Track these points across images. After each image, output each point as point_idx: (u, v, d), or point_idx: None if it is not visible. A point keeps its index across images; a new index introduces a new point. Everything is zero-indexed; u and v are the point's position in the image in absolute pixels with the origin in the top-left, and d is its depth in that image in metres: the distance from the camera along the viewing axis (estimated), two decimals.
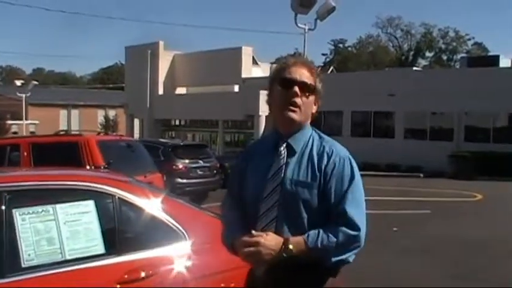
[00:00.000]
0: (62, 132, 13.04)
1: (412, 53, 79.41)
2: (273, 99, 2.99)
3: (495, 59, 34.54)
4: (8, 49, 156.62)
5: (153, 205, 4.06)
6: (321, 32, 52.80)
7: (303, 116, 2.92)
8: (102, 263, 3.71)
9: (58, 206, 3.72)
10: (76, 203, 3.81)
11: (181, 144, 19.76)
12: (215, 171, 18.55)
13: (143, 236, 4.02)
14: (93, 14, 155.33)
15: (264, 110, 31.74)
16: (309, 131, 3.00)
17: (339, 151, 2.93)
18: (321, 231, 2.75)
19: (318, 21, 20.40)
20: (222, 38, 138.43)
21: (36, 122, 53.43)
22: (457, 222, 14.06)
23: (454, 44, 77.25)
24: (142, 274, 3.73)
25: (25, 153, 10.05)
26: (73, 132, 13.41)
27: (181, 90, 42.71)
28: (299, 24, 19.82)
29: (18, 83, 43.00)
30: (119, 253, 3.78)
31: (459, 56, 69.12)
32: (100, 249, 3.75)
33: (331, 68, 63.78)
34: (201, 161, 17.96)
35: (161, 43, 41.28)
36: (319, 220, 2.80)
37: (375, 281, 8.31)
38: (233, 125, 38.17)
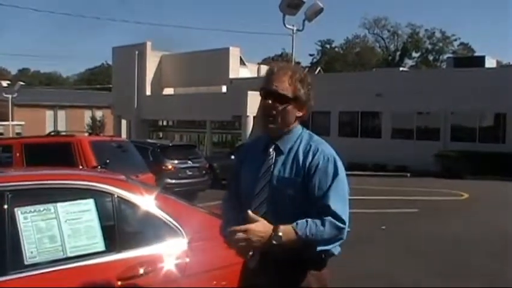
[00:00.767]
0: (53, 133, 13.02)
1: (398, 53, 79.71)
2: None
3: (481, 60, 34.79)
4: None
5: (150, 203, 4.15)
6: (309, 33, 52.90)
7: (281, 124, 3.10)
8: (102, 260, 3.79)
9: (59, 204, 3.80)
10: (76, 201, 3.89)
11: (170, 144, 19.79)
12: (204, 172, 18.62)
13: (142, 233, 4.12)
14: (80, 14, 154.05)
15: (251, 110, 31.81)
16: (297, 132, 3.18)
17: (324, 149, 3.10)
18: (309, 220, 2.87)
19: (306, 22, 20.53)
20: (210, 38, 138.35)
21: (22, 123, 53.13)
22: (444, 221, 14.21)
23: (441, 44, 77.63)
24: (141, 270, 3.81)
25: (17, 154, 10.09)
26: (64, 133, 13.38)
27: (168, 91, 42.66)
28: (287, 25, 19.93)
29: (4, 83, 42.75)
30: (118, 250, 3.86)
31: (445, 57, 69.50)
32: (100, 246, 3.84)
33: (319, 68, 63.91)
34: (190, 162, 18.01)
35: (149, 43, 41.19)
36: (305, 216, 2.93)
37: (362, 279, 8.42)
38: (221, 126, 38.20)
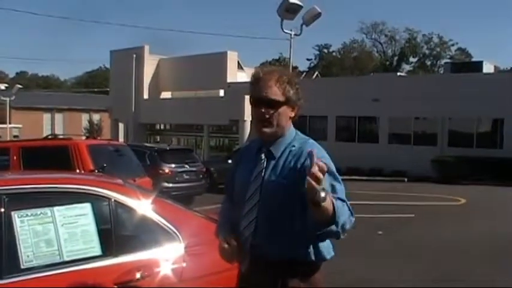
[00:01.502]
0: (50, 137, 13.01)
1: (396, 58, 79.87)
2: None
3: (478, 65, 34.84)
4: None
5: (147, 208, 4.15)
6: (306, 38, 53.15)
7: (275, 127, 3.13)
8: (99, 264, 3.79)
9: (56, 208, 3.80)
10: (73, 205, 3.89)
11: (168, 148, 19.80)
12: (201, 176, 18.62)
13: (139, 237, 4.11)
14: (80, 18, 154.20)
15: (249, 115, 31.79)
16: (290, 136, 3.20)
17: (317, 152, 2.95)
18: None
19: (304, 26, 20.56)
20: (208, 42, 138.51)
21: (20, 126, 53.13)
22: (441, 226, 14.21)
23: (438, 49, 77.78)
24: (138, 275, 3.81)
25: (15, 157, 10.08)
26: (62, 137, 13.37)
27: (166, 95, 42.65)
28: (285, 30, 19.95)
29: (2, 86, 42.71)
30: (115, 255, 3.86)
31: (443, 62, 69.65)
32: (97, 250, 3.84)
33: (316, 73, 63.97)
34: (187, 166, 18.01)
35: (146, 47, 41.19)
36: (297, 220, 2.97)
37: (358, 284, 8.43)
38: (218, 130, 38.19)
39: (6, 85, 44.64)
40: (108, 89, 49.04)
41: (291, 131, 3.22)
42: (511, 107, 28.13)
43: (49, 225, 3.74)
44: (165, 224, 4.09)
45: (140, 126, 41.09)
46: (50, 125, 59.80)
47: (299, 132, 3.26)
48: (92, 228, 3.87)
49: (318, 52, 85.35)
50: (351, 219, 2.95)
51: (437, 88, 30.31)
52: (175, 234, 4.09)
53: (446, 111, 29.87)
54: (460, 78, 30.76)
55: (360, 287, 8.34)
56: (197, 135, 39.08)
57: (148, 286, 3.82)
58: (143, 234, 4.11)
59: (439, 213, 16.69)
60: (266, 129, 3.11)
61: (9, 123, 44.27)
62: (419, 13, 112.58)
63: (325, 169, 2.61)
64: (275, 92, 3.10)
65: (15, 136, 47.65)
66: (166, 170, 17.18)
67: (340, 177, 3.07)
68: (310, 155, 2.62)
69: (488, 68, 34.77)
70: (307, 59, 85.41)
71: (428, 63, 79.35)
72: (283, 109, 3.13)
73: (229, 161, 19.92)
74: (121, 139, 39.71)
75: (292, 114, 3.20)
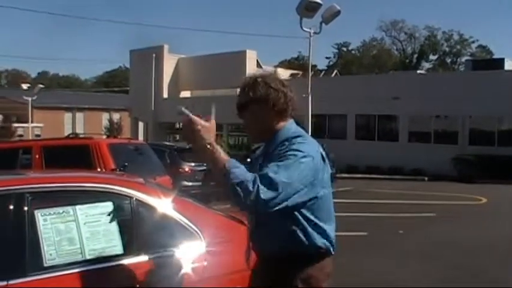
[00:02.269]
0: (71, 136, 13.10)
1: (415, 56, 79.42)
2: None
3: (500, 62, 34.49)
4: (14, 53, 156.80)
5: (168, 206, 4.16)
6: (325, 36, 52.93)
7: (255, 129, 3.28)
8: (120, 263, 3.81)
9: (78, 207, 3.83)
10: (95, 204, 3.92)
11: (187, 147, 19.79)
12: None
13: (160, 236, 4.11)
14: (96, 18, 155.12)
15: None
16: (281, 135, 3.18)
17: (296, 143, 3.05)
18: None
19: (323, 24, 20.50)
20: (227, 41, 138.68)
21: (41, 125, 53.62)
22: (461, 226, 14.10)
23: (458, 47, 77.25)
24: (159, 274, 3.83)
25: (37, 156, 10.16)
26: (83, 136, 13.46)
27: (185, 94, 42.79)
28: (304, 28, 19.91)
29: (24, 86, 43.11)
30: (136, 253, 3.88)
31: (463, 59, 69.11)
32: (119, 249, 3.86)
33: (335, 71, 63.78)
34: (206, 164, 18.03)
35: (166, 47, 41.37)
36: (286, 216, 3.01)
37: (377, 284, 8.39)
38: (237, 129, 38.22)
39: (29, 85, 45.02)
40: (128, 89, 49.32)
41: (285, 131, 3.20)
42: None
43: (71, 223, 3.77)
44: (186, 223, 4.10)
45: (160, 125, 41.27)
46: (71, 124, 60.30)
47: (303, 135, 3.19)
48: (114, 226, 3.90)
49: (337, 50, 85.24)
50: (249, 185, 2.78)
51: (458, 86, 30.10)
52: (197, 232, 4.11)
53: (467, 109, 29.63)
54: (481, 75, 30.51)
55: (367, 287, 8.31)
56: (216, 133, 38.95)
57: (169, 285, 3.83)
58: (164, 232, 4.11)
59: (459, 213, 16.57)
60: (250, 135, 3.33)
61: (32, 122, 44.63)
62: (439, 10, 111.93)
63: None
64: (242, 97, 3.24)
65: (36, 135, 48.14)
66: (186, 169, 17.21)
67: (284, 170, 2.91)
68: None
69: (510, 65, 34.38)
70: (326, 58, 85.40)
71: (449, 60, 78.84)
72: (257, 108, 3.19)
73: (249, 160, 19.91)
74: (141, 138, 39.89)
75: (272, 113, 3.20)
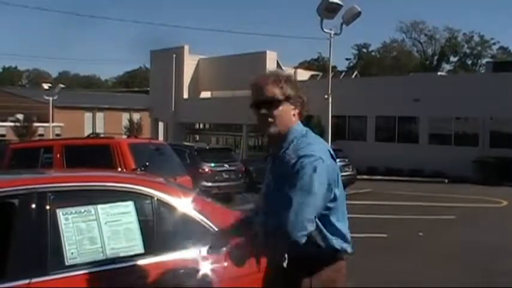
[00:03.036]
0: (92, 135, 13.20)
1: (436, 57, 79.02)
2: None
3: None
4: (35, 53, 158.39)
5: (189, 206, 4.17)
6: (345, 37, 52.86)
7: (279, 126, 3.16)
8: (141, 263, 3.82)
9: (99, 206, 3.85)
10: (116, 203, 3.93)
11: (207, 147, 19.94)
12: (240, 175, 18.68)
13: (180, 236, 4.11)
14: (120, 18, 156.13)
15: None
16: (290, 137, 3.17)
17: (299, 151, 3.03)
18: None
19: (344, 26, 20.43)
20: (247, 42, 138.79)
21: (62, 124, 54.01)
22: (482, 228, 14.00)
23: (479, 48, 76.73)
24: (180, 273, 3.83)
25: (58, 155, 10.23)
26: (103, 135, 13.56)
27: (205, 94, 42.89)
28: (325, 29, 19.86)
29: (45, 86, 43.39)
30: (157, 253, 3.89)
31: (484, 61, 68.66)
32: (139, 248, 3.87)
33: (355, 72, 63.61)
34: (226, 165, 18.09)
35: (186, 47, 41.48)
36: None
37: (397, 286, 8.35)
38: (257, 130, 38.21)
39: (50, 85, 45.31)
40: (148, 89, 49.54)
41: (293, 131, 3.19)
42: None
43: (93, 222, 3.79)
44: (206, 223, 4.10)
45: (180, 126, 41.39)
46: (91, 124, 60.70)
47: (309, 134, 3.22)
48: (135, 226, 3.91)
49: (357, 52, 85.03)
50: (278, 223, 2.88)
51: (479, 88, 29.88)
52: None
53: (487, 111, 29.37)
54: (501, 77, 30.25)
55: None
56: (236, 134, 39.19)
57: (189, 285, 3.84)
58: (185, 232, 4.11)
59: (480, 216, 16.45)
60: (270, 129, 3.16)
61: (52, 122, 44.95)
62: (459, 12, 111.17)
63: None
64: (272, 91, 3.14)
65: (57, 135, 48.52)
66: (206, 169, 17.28)
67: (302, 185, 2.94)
68: None
69: None
70: (346, 59, 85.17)
71: (469, 62, 78.35)
72: (284, 107, 3.16)
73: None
74: (161, 138, 40.04)
75: (296, 112, 3.22)
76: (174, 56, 40.53)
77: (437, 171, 29.30)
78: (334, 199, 3.08)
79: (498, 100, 28.53)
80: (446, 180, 28.46)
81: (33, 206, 3.71)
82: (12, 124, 50.93)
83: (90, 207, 3.82)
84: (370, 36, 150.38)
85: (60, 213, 3.73)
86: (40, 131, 50.27)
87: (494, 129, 30.23)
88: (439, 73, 46.53)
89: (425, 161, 29.87)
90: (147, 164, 9.34)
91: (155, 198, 4.03)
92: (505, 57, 68.94)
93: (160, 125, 44.37)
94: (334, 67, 50.35)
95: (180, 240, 4.08)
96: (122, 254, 3.80)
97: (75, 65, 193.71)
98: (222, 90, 40.98)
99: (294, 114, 3.19)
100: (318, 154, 2.99)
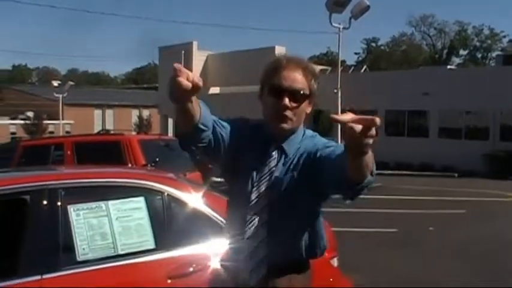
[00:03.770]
0: (102, 132, 13.25)
1: (445, 51, 78.64)
2: (263, 103, 2.88)
3: None
4: (44, 51, 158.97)
5: (199, 201, 4.18)
6: (354, 31, 52.74)
7: (295, 124, 2.77)
8: (152, 258, 3.84)
9: (110, 202, 3.87)
10: (127, 199, 3.95)
11: None
12: None
13: (191, 231, 4.12)
14: (127, 15, 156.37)
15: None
16: (301, 132, 2.86)
17: (323, 139, 2.81)
18: None
19: (352, 20, 20.40)
20: (255, 37, 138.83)
21: (71, 121, 54.18)
22: (492, 223, 13.94)
23: (489, 41, 76.34)
24: (191, 269, 3.85)
25: (68, 152, 10.26)
26: (113, 132, 13.60)
27: (214, 90, 42.90)
28: (333, 24, 19.84)
29: (55, 83, 43.56)
30: (168, 248, 3.91)
31: (494, 54, 68.32)
32: (150, 244, 3.89)
33: (364, 67, 63.46)
34: None
35: (195, 43, 41.51)
36: (308, 223, 2.78)
37: (408, 282, 8.34)
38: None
39: (59, 82, 45.46)
40: (157, 85, 49.61)
41: (301, 127, 2.85)
42: None
43: (104, 218, 3.82)
44: (217, 218, 4.11)
45: None
46: (101, 120, 60.85)
47: (305, 129, 2.90)
48: (146, 222, 3.93)
49: (366, 46, 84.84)
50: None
51: (489, 81, 29.71)
52: None
53: (497, 104, 29.21)
54: None
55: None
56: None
57: (201, 279, 3.84)
58: (196, 228, 4.12)
59: (490, 210, 16.38)
60: (285, 126, 2.74)
61: (62, 119, 45.11)
62: (469, 5, 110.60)
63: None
64: (301, 82, 2.75)
65: (67, 132, 48.60)
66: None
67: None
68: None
69: None
70: (355, 53, 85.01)
71: (479, 55, 77.98)
72: (305, 103, 2.78)
73: None
74: (170, 134, 40.11)
75: (309, 110, 2.84)
76: (183, 52, 40.53)
77: (447, 166, 29.19)
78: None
79: (508, 94, 28.39)
80: (456, 175, 28.34)
81: (45, 202, 3.74)
82: (22, 122, 51.09)
83: (101, 203, 3.85)
84: (379, 30, 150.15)
85: (71, 209, 3.76)
86: (50, 128, 50.36)
87: (504, 123, 30.07)
88: (448, 67, 46.34)
89: (435, 155, 29.77)
90: (157, 159, 9.34)
91: (166, 194, 4.05)
92: None
93: (170, 121, 44.45)
94: (343, 61, 50.25)
95: (191, 235, 4.10)
96: (133, 250, 3.82)
97: (84, 62, 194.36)
98: (230, 85, 40.97)
99: (306, 113, 2.83)
100: None
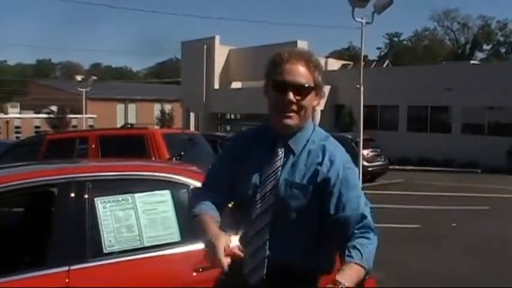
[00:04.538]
0: (128, 126, 13.35)
1: (469, 46, 77.93)
2: (268, 98, 2.79)
3: None
4: (67, 45, 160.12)
5: None
6: (377, 26, 52.41)
7: (300, 119, 2.67)
8: (178, 251, 3.87)
9: (136, 195, 3.91)
10: (153, 192, 3.99)
11: None
12: None
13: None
14: (153, 10, 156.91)
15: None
16: (309, 130, 2.75)
17: (341, 156, 2.69)
18: (357, 244, 2.45)
19: (375, 14, 20.28)
20: (277, 32, 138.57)
21: (94, 116, 54.59)
22: None
23: None
24: None
25: (93, 146, 10.36)
26: (138, 126, 13.70)
27: (236, 85, 42.97)
28: (356, 18, 19.74)
29: (78, 78, 43.88)
30: (193, 241, 3.94)
31: None
32: (176, 237, 3.92)
33: (387, 62, 63.11)
34: None
35: (217, 38, 41.56)
36: (314, 224, 2.65)
37: (431, 279, 8.32)
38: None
39: (82, 77, 45.78)
40: (179, 80, 49.78)
41: (309, 123, 2.75)
42: None
43: (130, 211, 3.85)
44: None
45: (211, 116, 41.57)
46: (123, 115, 61.22)
47: (316, 125, 2.81)
48: (171, 214, 3.96)
49: (388, 41, 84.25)
50: (375, 244, 2.54)
51: None
52: None
53: None
54: None
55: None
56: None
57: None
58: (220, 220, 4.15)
59: None
60: (290, 121, 2.65)
61: (85, 113, 45.43)
62: None
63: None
64: (305, 75, 2.66)
65: (90, 126, 49.03)
66: None
67: (360, 187, 2.69)
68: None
69: None
70: (378, 48, 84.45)
71: (503, 50, 77.19)
72: (311, 97, 2.68)
73: None
74: (192, 128, 40.26)
75: (316, 103, 2.75)
76: (205, 46, 40.64)
77: (470, 162, 28.98)
78: None
79: None
80: (479, 171, 28.13)
81: (72, 194, 3.79)
82: (46, 116, 51.56)
83: (128, 196, 3.88)
84: (401, 25, 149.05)
85: (98, 201, 3.80)
86: (73, 122, 50.80)
87: None
88: (471, 62, 45.95)
89: (458, 151, 29.57)
90: (182, 153, 9.40)
91: (191, 187, 4.08)
92: None
93: (192, 115, 44.60)
94: (365, 56, 50.03)
95: None
96: (158, 242, 3.86)
97: (107, 57, 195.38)
98: (252, 80, 40.93)
99: (313, 106, 2.73)
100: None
